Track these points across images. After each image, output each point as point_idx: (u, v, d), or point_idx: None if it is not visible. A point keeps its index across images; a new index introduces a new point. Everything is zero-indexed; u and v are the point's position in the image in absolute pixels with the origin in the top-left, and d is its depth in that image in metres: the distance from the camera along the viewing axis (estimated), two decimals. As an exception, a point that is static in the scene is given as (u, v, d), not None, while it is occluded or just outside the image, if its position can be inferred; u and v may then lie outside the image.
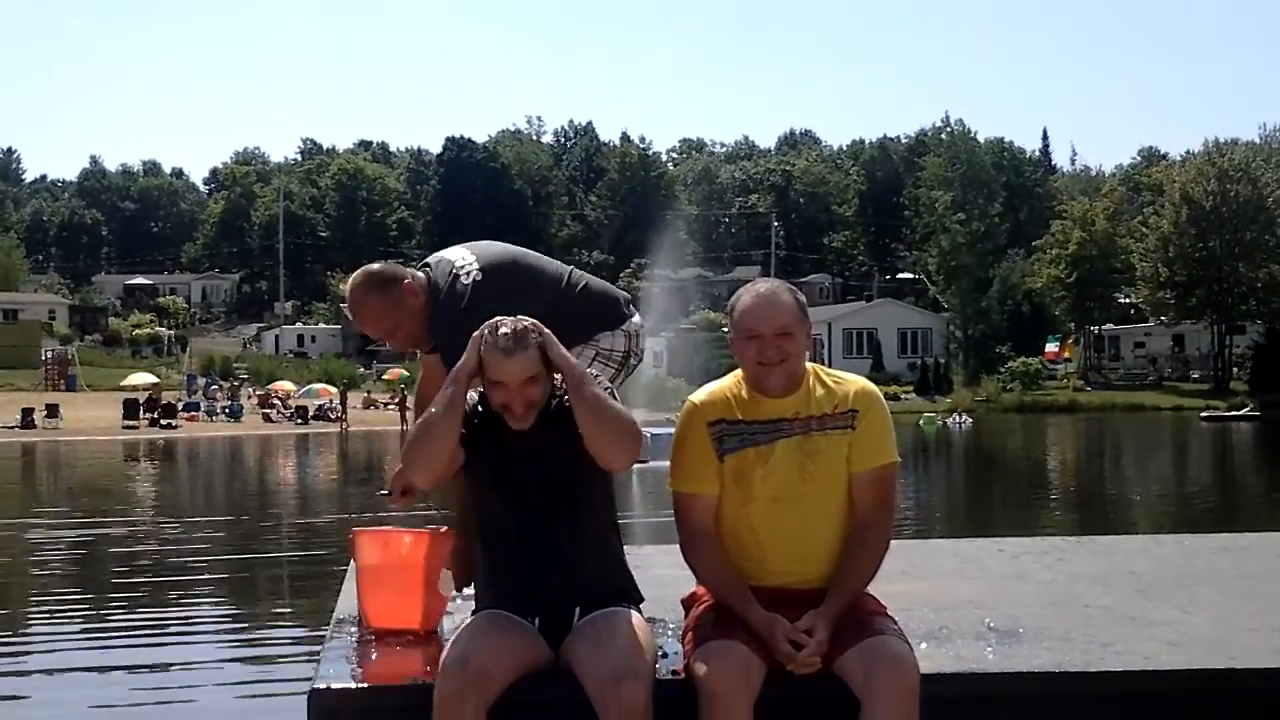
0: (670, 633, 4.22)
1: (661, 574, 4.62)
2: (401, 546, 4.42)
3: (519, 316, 3.77)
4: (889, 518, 3.93)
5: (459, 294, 4.55)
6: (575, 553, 3.74)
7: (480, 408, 3.85)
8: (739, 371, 3.95)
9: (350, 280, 4.72)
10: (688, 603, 4.03)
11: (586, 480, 3.81)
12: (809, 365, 3.94)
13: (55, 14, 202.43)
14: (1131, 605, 4.96)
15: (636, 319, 5.00)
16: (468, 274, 4.60)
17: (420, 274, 4.72)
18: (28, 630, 10.68)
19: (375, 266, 4.76)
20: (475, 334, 3.75)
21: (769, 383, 3.84)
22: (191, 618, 11.17)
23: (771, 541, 3.84)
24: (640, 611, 3.83)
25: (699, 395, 4.01)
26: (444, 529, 4.42)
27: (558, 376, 3.79)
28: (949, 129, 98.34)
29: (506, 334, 3.69)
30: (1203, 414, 59.29)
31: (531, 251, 4.95)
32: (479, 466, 3.82)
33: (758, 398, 3.87)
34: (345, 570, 5.21)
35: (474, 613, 3.85)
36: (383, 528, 4.65)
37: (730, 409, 3.89)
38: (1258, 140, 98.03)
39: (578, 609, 3.73)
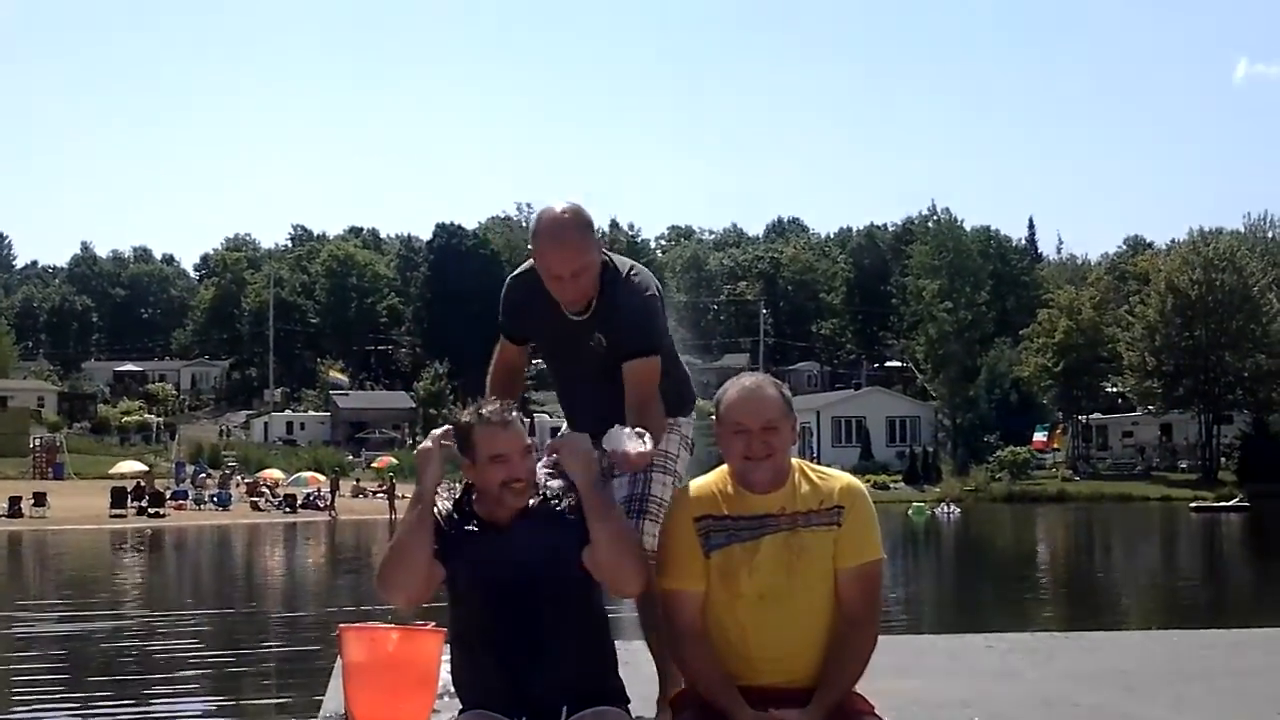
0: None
1: (648, 671, 4.60)
2: (389, 644, 4.40)
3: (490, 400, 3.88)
4: (875, 615, 3.92)
5: (646, 280, 4.60)
6: (562, 650, 3.72)
7: (455, 515, 3.87)
8: (725, 466, 3.96)
9: (550, 212, 4.49)
10: (675, 702, 4.02)
11: (573, 577, 3.80)
12: (794, 461, 3.94)
13: (46, 100, 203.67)
14: (1121, 704, 4.96)
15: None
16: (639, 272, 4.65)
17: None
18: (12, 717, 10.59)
19: (576, 204, 4.50)
20: (425, 448, 3.78)
21: (755, 478, 3.84)
22: (175, 710, 11.08)
23: (758, 639, 3.82)
24: (628, 711, 3.82)
25: (684, 490, 4.02)
26: (432, 625, 4.41)
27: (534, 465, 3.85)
28: (935, 218, 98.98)
29: (494, 409, 3.73)
30: (1192, 505, 59.18)
31: None
32: (458, 572, 3.82)
33: (744, 493, 3.86)
34: (332, 667, 5.19)
35: (460, 713, 3.83)
36: (370, 624, 4.63)
37: (716, 504, 3.88)
38: (1242, 229, 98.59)
39: (565, 709, 3.70)
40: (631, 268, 4.64)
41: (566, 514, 3.83)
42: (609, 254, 4.61)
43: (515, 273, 4.87)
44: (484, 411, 3.76)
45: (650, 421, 4.41)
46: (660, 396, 4.62)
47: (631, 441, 4.05)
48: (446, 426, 3.82)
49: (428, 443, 3.81)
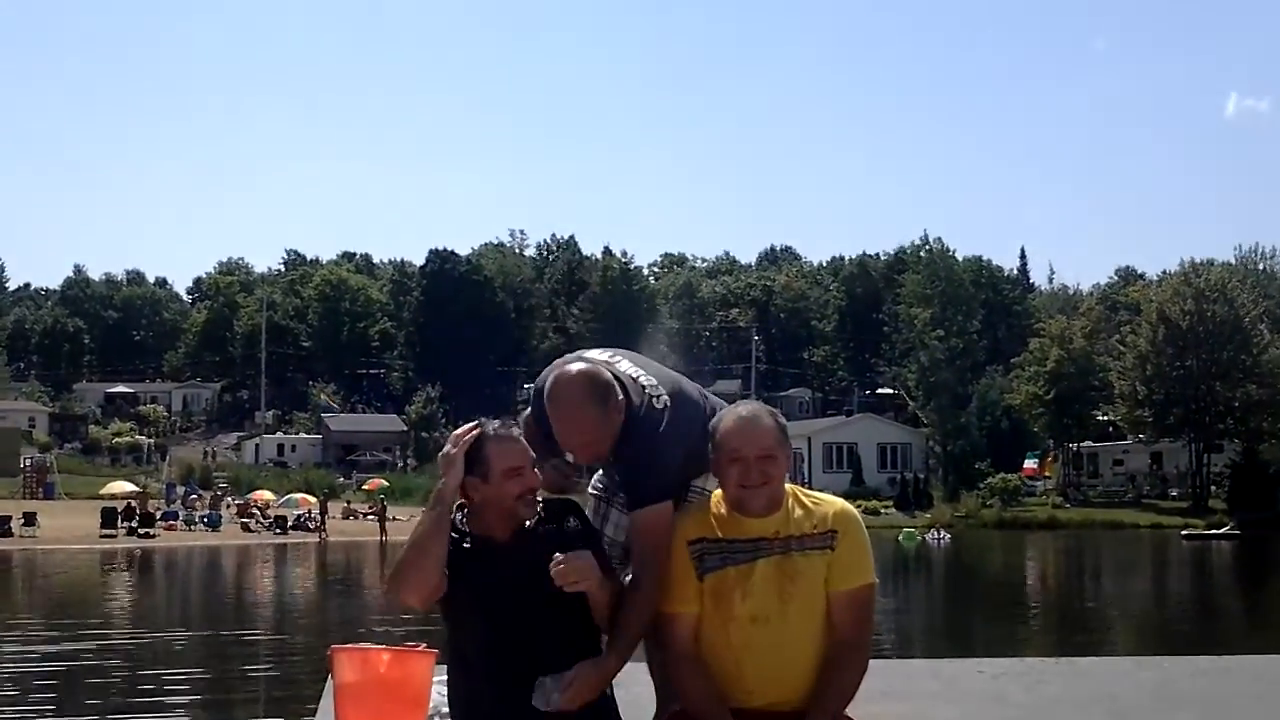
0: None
1: (642, 693, 4.60)
2: (380, 664, 4.40)
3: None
4: (867, 639, 3.94)
5: (657, 417, 4.12)
6: (560, 662, 3.74)
7: (456, 533, 3.88)
8: (719, 490, 3.98)
9: (564, 379, 4.09)
10: (669, 723, 4.03)
11: (570, 600, 3.82)
12: (788, 486, 3.96)
13: (39, 123, 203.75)
14: (1110, 729, 4.97)
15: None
16: (659, 398, 4.17)
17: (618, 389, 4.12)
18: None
19: (592, 371, 4.08)
20: (449, 452, 3.80)
21: (751, 505, 3.86)
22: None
23: (750, 662, 3.83)
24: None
25: (678, 514, 4.04)
26: (423, 646, 4.41)
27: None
28: (928, 247, 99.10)
29: (502, 423, 3.77)
30: (1184, 532, 59.18)
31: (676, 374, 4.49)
32: (459, 589, 3.83)
33: (738, 517, 3.88)
34: (323, 688, 5.19)
35: (453, 733, 3.84)
36: (361, 645, 4.64)
37: (710, 528, 3.91)
38: (1234, 260, 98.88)
39: (558, 728, 3.71)
40: (649, 421, 4.15)
41: (571, 535, 3.85)
42: (630, 396, 4.16)
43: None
44: (494, 427, 3.79)
45: (647, 576, 4.00)
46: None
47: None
48: (470, 427, 3.84)
49: (450, 446, 3.83)
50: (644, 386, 4.17)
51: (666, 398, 4.17)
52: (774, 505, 3.88)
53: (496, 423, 3.88)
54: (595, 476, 4.63)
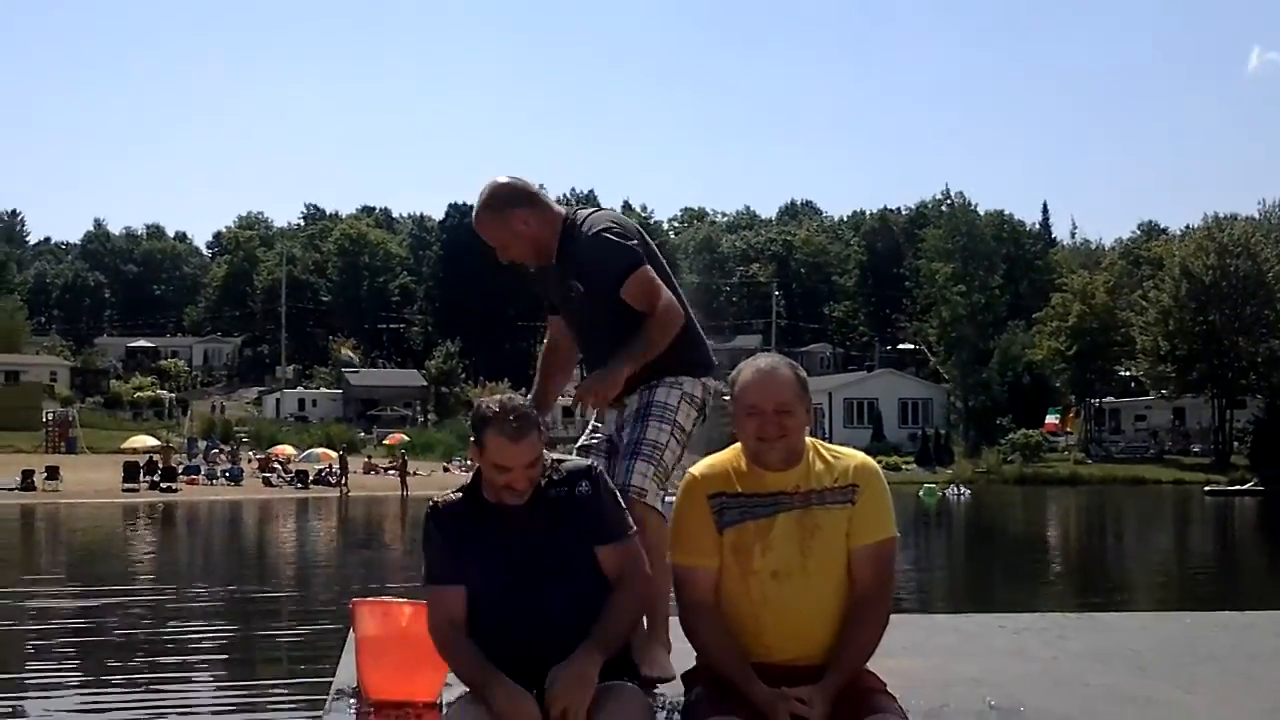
0: (670, 707, 4.20)
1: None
2: (401, 617, 4.41)
3: (521, 399, 3.83)
4: (888, 593, 3.91)
5: (600, 218, 4.84)
6: (574, 630, 3.70)
7: (464, 503, 3.86)
8: (739, 444, 3.95)
9: (484, 188, 4.81)
10: (687, 677, 4.01)
11: (574, 551, 3.80)
12: (809, 440, 3.93)
13: (59, 78, 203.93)
14: (1133, 685, 4.94)
15: (714, 381, 5.03)
16: (623, 224, 4.87)
17: (554, 209, 4.88)
18: (24, 704, 10.60)
19: (502, 183, 4.82)
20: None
21: (769, 458, 3.83)
22: (189, 690, 11.08)
23: (771, 617, 3.81)
24: (640, 686, 3.81)
25: (699, 467, 4.00)
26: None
27: (547, 453, 3.83)
28: (949, 201, 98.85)
29: (513, 419, 3.70)
30: (1206, 488, 59.14)
31: None
32: (471, 564, 3.81)
33: (758, 471, 3.86)
34: (344, 641, 5.19)
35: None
36: (383, 598, 4.63)
37: (730, 482, 3.88)
38: (1257, 216, 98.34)
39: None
40: (588, 214, 4.87)
41: (581, 500, 3.82)
42: (571, 208, 4.88)
43: None
44: (505, 416, 3.73)
45: (653, 324, 4.70)
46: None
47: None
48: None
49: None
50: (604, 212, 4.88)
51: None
52: (792, 459, 3.85)
53: (515, 413, 3.74)
54: (585, 433, 5.04)
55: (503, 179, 4.81)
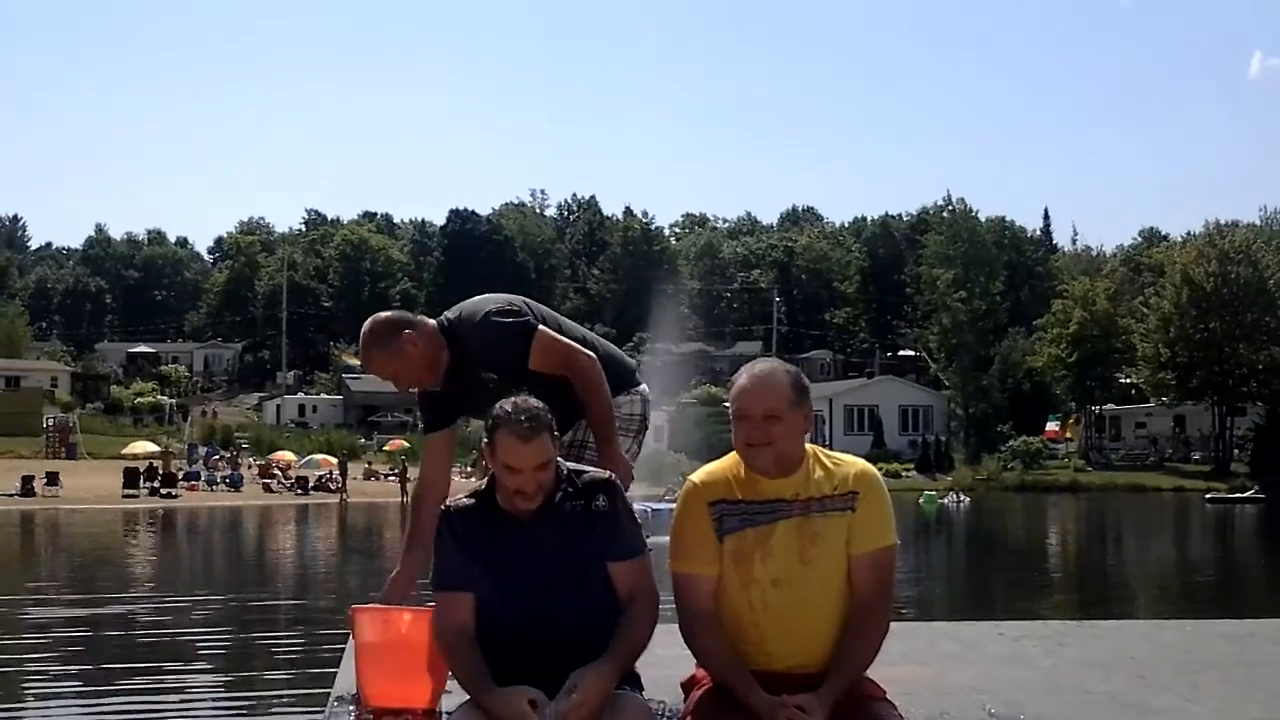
0: (670, 715, 4.20)
1: (661, 654, 4.59)
2: (401, 624, 4.40)
3: (535, 400, 3.80)
4: (888, 601, 3.91)
5: (476, 306, 4.91)
6: (578, 636, 3.70)
7: (475, 510, 3.85)
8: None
9: (365, 328, 4.83)
10: (687, 685, 4.01)
11: (588, 564, 3.79)
12: (809, 447, 3.92)
13: (61, 83, 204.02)
14: (1132, 692, 4.94)
15: (644, 386, 5.20)
16: (503, 300, 4.93)
17: (430, 323, 4.92)
18: (24, 711, 10.60)
19: (381, 318, 4.87)
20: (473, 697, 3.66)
21: (756, 464, 3.83)
22: (189, 696, 11.09)
23: (771, 624, 3.81)
24: (642, 694, 3.81)
25: (699, 475, 3.99)
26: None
27: (561, 461, 3.82)
28: (950, 208, 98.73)
29: (524, 419, 3.69)
30: (1207, 496, 59.10)
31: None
32: (480, 573, 3.81)
33: (757, 478, 3.85)
34: (344, 648, 5.19)
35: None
36: (383, 605, 4.63)
37: (730, 489, 3.87)
38: (1258, 222, 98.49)
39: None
40: (463, 308, 4.96)
41: (597, 514, 3.81)
42: (444, 316, 4.97)
43: None
44: (517, 416, 3.72)
45: (583, 379, 4.79)
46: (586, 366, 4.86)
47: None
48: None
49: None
50: (483, 302, 4.95)
51: (509, 301, 4.94)
52: (780, 466, 3.83)
53: (525, 412, 3.75)
54: None
55: (378, 316, 4.89)
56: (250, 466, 63.14)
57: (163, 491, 50.18)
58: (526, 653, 3.61)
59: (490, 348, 4.79)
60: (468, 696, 3.79)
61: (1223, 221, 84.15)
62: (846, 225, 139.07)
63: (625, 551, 3.83)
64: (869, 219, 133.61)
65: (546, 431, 3.73)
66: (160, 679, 11.86)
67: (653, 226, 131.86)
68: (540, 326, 4.82)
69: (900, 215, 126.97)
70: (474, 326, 4.83)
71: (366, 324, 4.84)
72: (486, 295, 5.04)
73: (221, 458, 66.12)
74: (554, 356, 4.81)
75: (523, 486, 3.71)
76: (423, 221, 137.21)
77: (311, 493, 55.64)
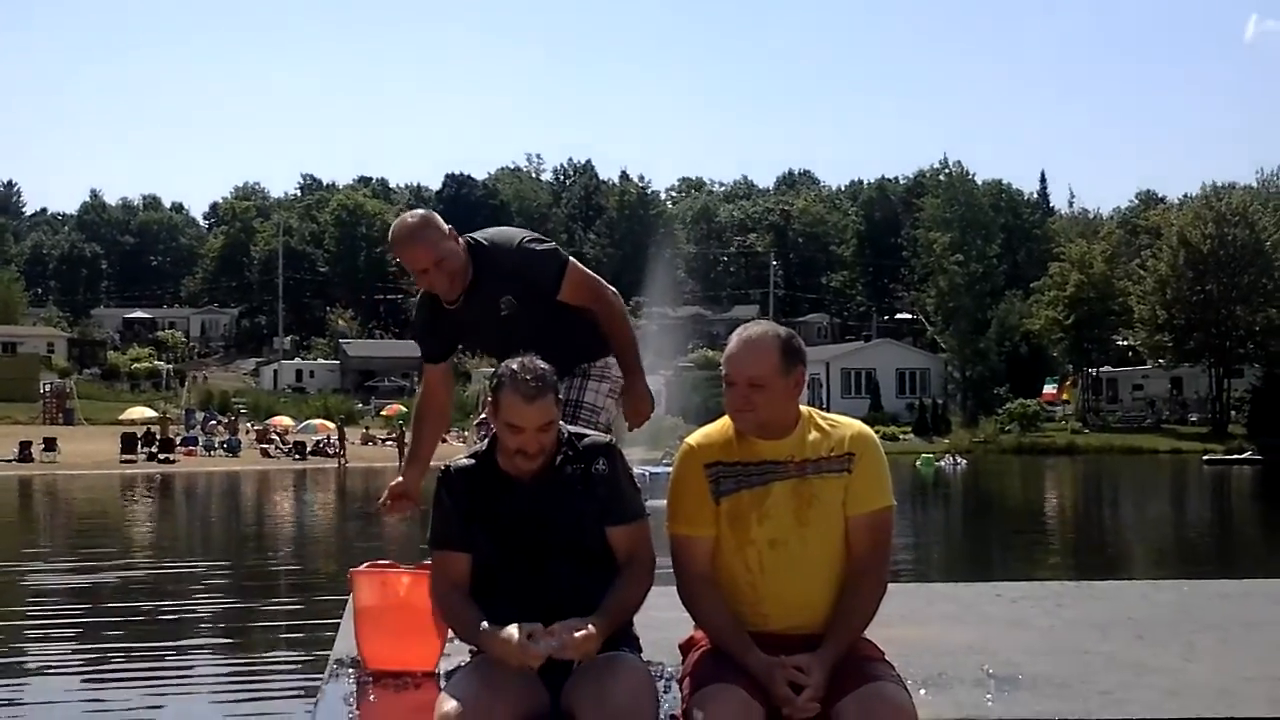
0: (668, 676, 4.20)
1: (659, 617, 4.59)
2: (400, 587, 4.41)
3: (541, 361, 3.79)
4: (885, 562, 3.91)
5: (510, 233, 4.97)
6: (576, 598, 3.70)
7: (477, 471, 3.85)
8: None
9: (405, 218, 4.87)
10: (685, 646, 4.01)
11: (587, 528, 3.80)
12: (804, 409, 3.91)
13: (55, 48, 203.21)
14: (1131, 652, 4.95)
15: None
16: (535, 233, 5.01)
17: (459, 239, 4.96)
18: (24, 676, 10.62)
19: (424, 211, 4.95)
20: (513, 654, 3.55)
21: (740, 427, 3.84)
22: (187, 661, 11.12)
23: (768, 586, 3.81)
24: (641, 656, 3.82)
25: (694, 437, 3.99)
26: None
27: (562, 425, 3.82)
28: (947, 170, 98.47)
29: (529, 379, 3.69)
30: (1205, 457, 59.16)
31: None
32: (480, 532, 3.81)
33: (752, 440, 3.84)
34: (343, 611, 5.19)
35: (472, 655, 3.82)
36: (381, 568, 4.63)
37: (725, 451, 3.87)
38: (1255, 184, 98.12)
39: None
40: (492, 233, 5.01)
41: (597, 478, 3.81)
42: (471, 236, 4.95)
43: (417, 302, 5.26)
44: (522, 375, 3.72)
45: (610, 319, 4.96)
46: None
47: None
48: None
49: (513, 651, 3.54)
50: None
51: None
52: (767, 431, 3.83)
53: (531, 372, 3.75)
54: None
55: (417, 210, 4.95)
56: (248, 432, 63.15)
57: (160, 457, 50.23)
58: (524, 615, 3.60)
59: (523, 270, 4.82)
60: (466, 658, 3.79)
61: (1219, 184, 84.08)
62: (843, 188, 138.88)
63: (624, 515, 3.83)
64: (865, 182, 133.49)
65: (551, 393, 3.73)
66: (160, 644, 11.89)
67: (649, 190, 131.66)
68: (572, 259, 4.91)
69: (897, 178, 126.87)
70: (509, 249, 4.87)
71: (409, 216, 4.87)
72: (511, 228, 5.10)
73: (219, 423, 66.15)
74: (584, 289, 4.91)
75: (525, 446, 3.70)
76: (418, 186, 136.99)
77: (309, 458, 55.68)
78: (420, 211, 4.90)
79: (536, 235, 4.97)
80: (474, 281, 4.85)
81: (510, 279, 4.82)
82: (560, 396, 4.65)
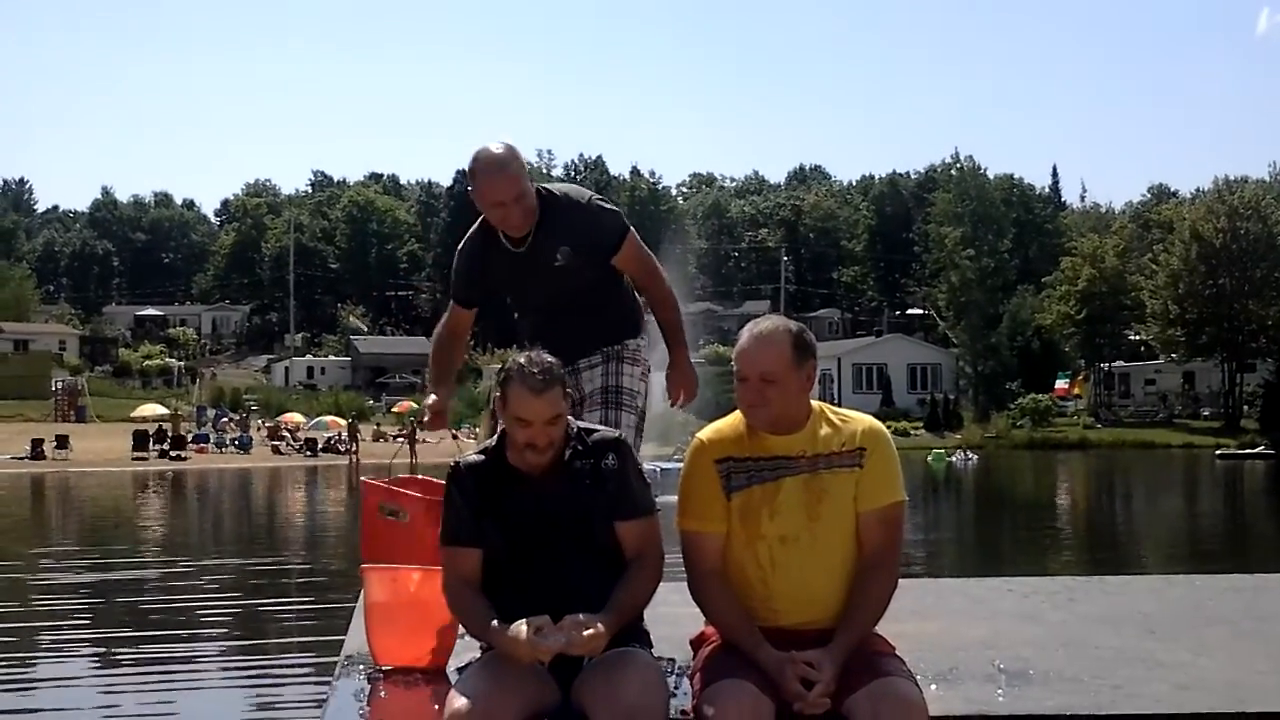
0: (679, 672, 4.20)
1: (670, 612, 4.59)
2: (411, 583, 4.41)
3: (548, 355, 3.79)
4: (896, 557, 3.91)
5: (582, 190, 5.00)
6: (586, 593, 3.69)
7: (486, 466, 3.85)
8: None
9: (490, 148, 4.81)
10: (696, 642, 4.01)
11: (596, 523, 3.80)
12: (815, 404, 3.91)
13: (66, 46, 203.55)
14: (1142, 647, 4.94)
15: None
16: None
17: None
18: (35, 672, 10.65)
19: (507, 143, 4.86)
20: (522, 650, 3.52)
21: (752, 422, 3.85)
22: (200, 655, 11.15)
23: (779, 581, 3.81)
24: (651, 652, 3.82)
25: (706, 432, 3.99)
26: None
27: (571, 419, 3.82)
28: (959, 165, 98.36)
29: (537, 372, 3.69)
30: (1217, 452, 59.06)
31: None
32: (489, 528, 3.81)
33: (763, 435, 3.85)
34: (354, 607, 5.20)
35: (483, 651, 3.83)
36: (392, 564, 4.64)
37: (737, 446, 3.87)
38: (1268, 178, 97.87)
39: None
40: (562, 186, 5.00)
41: (606, 474, 3.81)
42: (540, 185, 4.90)
43: (463, 241, 5.16)
44: (530, 368, 3.71)
45: (659, 294, 5.08)
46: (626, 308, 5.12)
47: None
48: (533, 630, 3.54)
49: (522, 646, 3.51)
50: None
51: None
52: (778, 426, 3.83)
53: (538, 365, 3.73)
54: None
55: (505, 142, 4.84)
56: (259, 429, 63.28)
57: (172, 454, 50.36)
58: (534, 609, 3.60)
59: (587, 226, 4.86)
60: (477, 654, 3.80)
61: (1232, 177, 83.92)
62: (854, 183, 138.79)
63: (633, 510, 3.83)
64: (877, 177, 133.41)
65: (559, 385, 3.72)
66: (170, 640, 11.92)
67: (660, 186, 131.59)
68: (628, 232, 4.95)
69: (908, 173, 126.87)
70: (578, 203, 4.90)
71: (494, 145, 4.81)
72: (581, 187, 5.12)
73: (230, 420, 66.26)
74: (639, 260, 5.00)
75: (534, 439, 3.70)
76: (429, 182, 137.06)
77: (320, 454, 55.76)
78: (507, 142, 4.86)
79: (604, 197, 5.01)
80: (535, 228, 4.85)
81: (573, 232, 4.83)
82: (602, 381, 4.71)
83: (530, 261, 4.88)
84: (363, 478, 4.61)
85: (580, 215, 4.86)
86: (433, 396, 5.11)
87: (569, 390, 3.83)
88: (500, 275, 5.03)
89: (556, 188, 4.96)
